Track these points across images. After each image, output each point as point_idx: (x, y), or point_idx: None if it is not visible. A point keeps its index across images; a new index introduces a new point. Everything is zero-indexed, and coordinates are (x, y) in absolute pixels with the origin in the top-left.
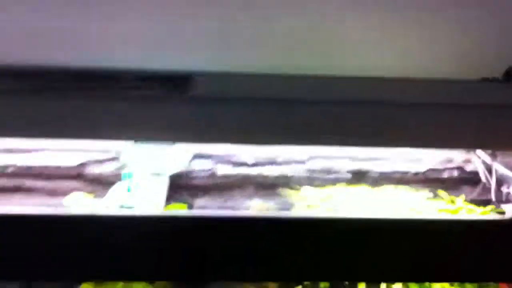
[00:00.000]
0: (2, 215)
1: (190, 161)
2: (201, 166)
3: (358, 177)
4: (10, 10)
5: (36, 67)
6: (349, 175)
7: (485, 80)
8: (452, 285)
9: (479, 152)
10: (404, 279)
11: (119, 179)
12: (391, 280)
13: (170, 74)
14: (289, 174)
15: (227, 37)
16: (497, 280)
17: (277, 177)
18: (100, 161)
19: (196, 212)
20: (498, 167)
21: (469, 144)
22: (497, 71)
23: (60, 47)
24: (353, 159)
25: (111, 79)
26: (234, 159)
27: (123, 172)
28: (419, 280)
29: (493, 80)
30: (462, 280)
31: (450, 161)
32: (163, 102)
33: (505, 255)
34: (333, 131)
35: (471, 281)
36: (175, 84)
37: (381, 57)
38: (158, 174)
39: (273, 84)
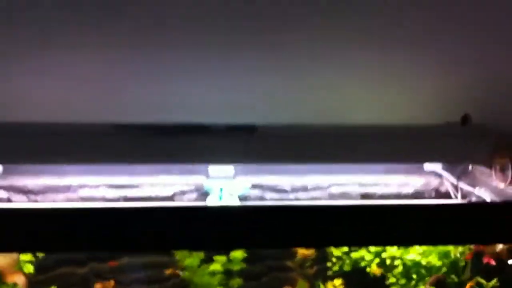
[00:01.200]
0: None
1: (249, 189)
2: (255, 193)
3: (366, 197)
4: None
5: (147, 123)
6: (359, 197)
7: (448, 124)
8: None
9: (449, 177)
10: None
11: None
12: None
13: (239, 125)
14: (316, 197)
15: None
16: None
17: (307, 200)
18: (184, 192)
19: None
20: (463, 186)
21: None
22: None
23: (162, 110)
24: (362, 185)
25: (199, 130)
26: (278, 187)
27: (219, 187)
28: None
29: (454, 124)
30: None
31: (428, 184)
32: (236, 143)
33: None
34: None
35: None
36: (243, 131)
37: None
38: (231, 195)
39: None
